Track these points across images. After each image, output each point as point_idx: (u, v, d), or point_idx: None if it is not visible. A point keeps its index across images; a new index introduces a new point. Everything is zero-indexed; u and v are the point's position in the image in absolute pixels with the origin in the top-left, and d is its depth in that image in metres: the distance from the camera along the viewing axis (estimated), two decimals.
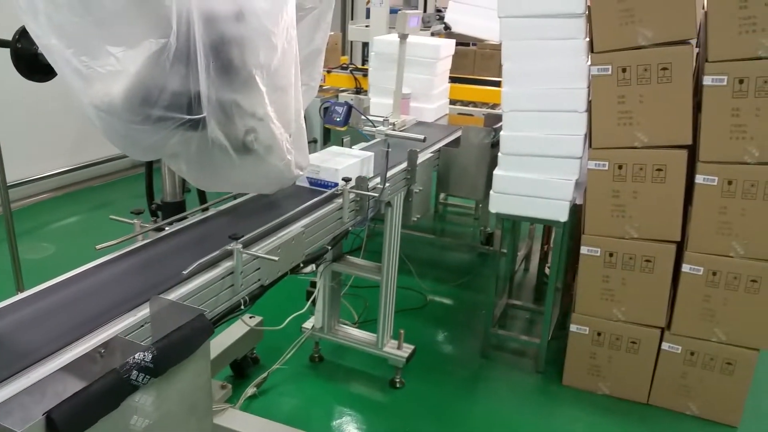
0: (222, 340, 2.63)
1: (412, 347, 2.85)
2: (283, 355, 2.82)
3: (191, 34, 1.43)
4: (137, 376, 1.06)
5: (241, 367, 2.81)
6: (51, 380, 1.15)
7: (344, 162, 2.32)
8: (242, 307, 1.68)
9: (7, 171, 2.58)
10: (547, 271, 3.91)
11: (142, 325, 1.36)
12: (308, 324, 2.97)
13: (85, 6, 1.30)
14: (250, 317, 2.77)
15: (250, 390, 2.70)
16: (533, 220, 3.22)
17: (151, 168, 2.03)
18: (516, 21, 2.66)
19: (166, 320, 1.26)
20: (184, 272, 1.49)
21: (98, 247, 1.55)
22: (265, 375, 2.78)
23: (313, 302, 2.88)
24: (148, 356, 1.08)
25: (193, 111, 1.51)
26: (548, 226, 3.61)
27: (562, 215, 2.78)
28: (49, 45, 1.36)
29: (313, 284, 2.92)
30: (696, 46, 2.55)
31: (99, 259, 1.60)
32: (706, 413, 2.70)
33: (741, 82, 2.34)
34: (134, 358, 1.07)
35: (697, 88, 2.53)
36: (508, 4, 2.65)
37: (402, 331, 2.83)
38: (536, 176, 2.76)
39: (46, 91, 2.35)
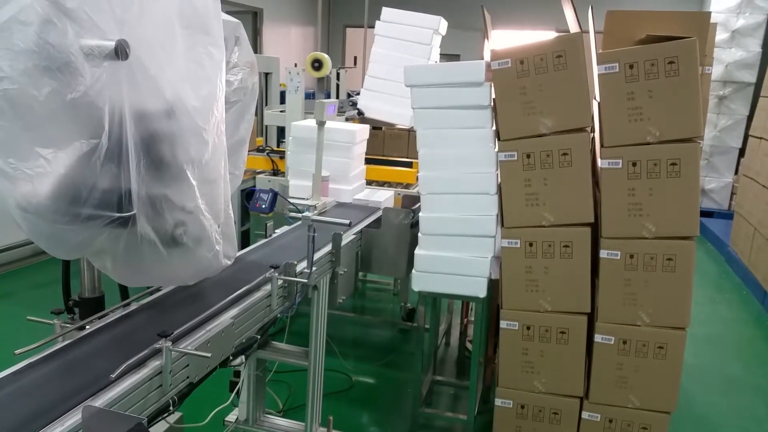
0: None
1: None
2: None
3: (123, 132, 1.44)
4: None
5: None
6: None
7: (383, 195, 3.70)
8: (171, 408, 1.62)
9: None
10: (468, 345, 4.00)
11: None
12: (232, 417, 2.85)
13: (15, 110, 1.29)
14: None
15: None
16: (454, 297, 3.31)
17: (68, 263, 1.95)
18: (428, 111, 2.83)
19: (101, 431, 1.19)
20: (112, 375, 1.42)
21: (17, 352, 1.46)
22: None
23: (237, 393, 2.77)
24: None
25: (123, 208, 1.49)
26: (466, 300, 3.74)
27: (481, 291, 2.89)
28: None
29: (236, 374, 2.83)
30: (591, 131, 2.81)
31: (16, 365, 1.50)
32: None
33: (634, 164, 2.59)
34: None
35: (595, 170, 2.77)
36: (420, 96, 2.82)
37: (331, 418, 2.78)
38: (454, 255, 2.88)
39: None
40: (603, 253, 2.65)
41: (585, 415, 2.78)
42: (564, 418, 2.81)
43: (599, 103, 2.67)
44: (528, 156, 2.70)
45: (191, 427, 2.65)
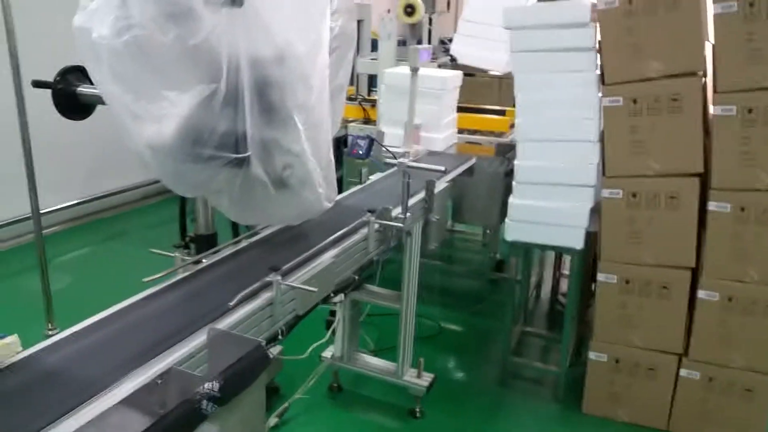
0: None
1: (432, 376, 2.91)
2: (304, 385, 2.87)
3: (239, 77, 1.54)
4: (206, 405, 1.14)
5: None
6: (114, 411, 1.22)
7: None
8: (280, 336, 1.76)
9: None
10: (560, 298, 4.00)
11: (194, 356, 1.43)
12: (327, 353, 3.03)
13: (145, 55, 1.41)
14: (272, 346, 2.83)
15: (272, 420, 2.75)
16: (549, 248, 3.30)
17: (184, 202, 2.12)
18: (528, 55, 2.78)
19: (224, 350, 1.33)
20: (230, 303, 1.57)
21: (146, 279, 1.63)
22: (286, 405, 2.83)
23: (333, 331, 2.94)
24: (216, 386, 1.16)
25: (239, 150, 1.61)
26: (560, 252, 3.71)
27: (578, 243, 2.87)
28: (109, 90, 1.46)
29: (332, 313, 2.99)
30: (703, 76, 2.67)
31: (144, 292, 1.68)
32: None
33: (750, 111, 2.45)
34: (204, 387, 1.14)
35: (706, 117, 2.65)
36: (520, 38, 2.77)
37: (422, 360, 2.89)
38: (551, 204, 2.86)
39: (58, 126, 2.45)
40: (711, 205, 2.56)
41: (683, 372, 2.75)
42: (660, 375, 2.79)
43: (713, 46, 2.53)
44: (634, 101, 2.61)
45: (291, 360, 2.85)
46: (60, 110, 1.99)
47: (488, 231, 4.76)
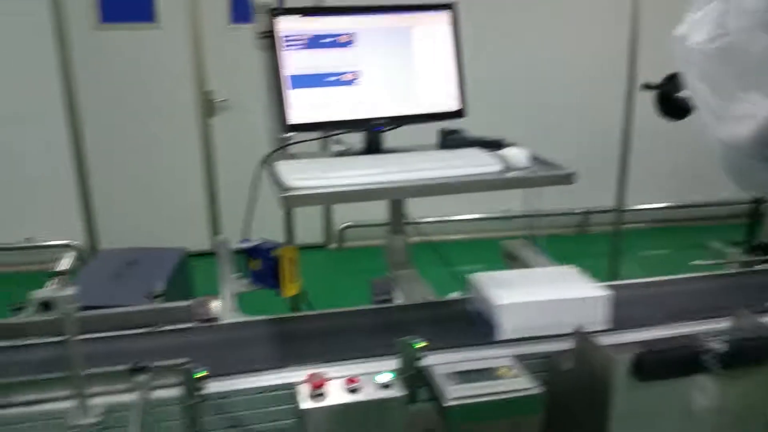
0: None
1: None
2: None
3: None
4: (710, 360, 1.35)
5: None
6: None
7: None
8: None
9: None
10: None
11: (715, 335, 1.61)
12: None
13: (732, 60, 1.63)
14: None
15: None
16: None
17: (757, 210, 2.23)
18: None
19: (745, 332, 1.48)
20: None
21: (694, 262, 1.89)
22: None
23: None
24: (724, 347, 1.35)
25: None
26: None
27: None
28: (695, 90, 1.76)
29: None
30: None
31: (689, 274, 1.96)
32: None
33: None
34: (712, 345, 1.36)
35: None
36: None
37: None
38: None
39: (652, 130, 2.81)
40: None
41: None
42: None
43: None
44: None
45: None
46: (660, 110, 2.38)
47: None
